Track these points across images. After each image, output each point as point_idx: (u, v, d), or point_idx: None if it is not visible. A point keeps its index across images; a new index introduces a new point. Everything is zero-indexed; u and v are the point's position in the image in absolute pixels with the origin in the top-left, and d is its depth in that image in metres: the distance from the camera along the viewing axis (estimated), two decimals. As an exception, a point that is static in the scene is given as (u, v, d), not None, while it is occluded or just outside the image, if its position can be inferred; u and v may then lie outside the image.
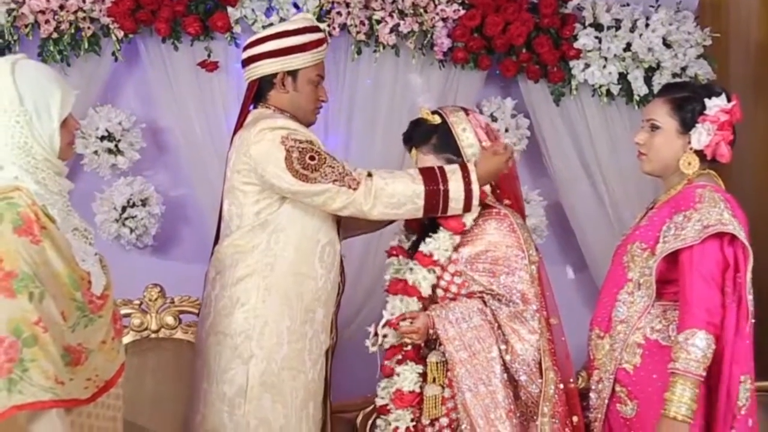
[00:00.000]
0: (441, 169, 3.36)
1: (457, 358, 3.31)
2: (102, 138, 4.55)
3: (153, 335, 4.43)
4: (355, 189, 3.28)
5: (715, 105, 3.25)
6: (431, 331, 3.35)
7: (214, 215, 3.68)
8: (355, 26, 4.59)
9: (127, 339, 4.24)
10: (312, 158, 3.29)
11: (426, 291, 3.40)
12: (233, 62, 4.47)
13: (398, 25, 4.60)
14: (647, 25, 4.80)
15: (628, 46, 4.78)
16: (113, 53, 4.54)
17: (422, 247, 3.43)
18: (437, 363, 3.40)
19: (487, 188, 3.47)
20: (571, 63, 4.81)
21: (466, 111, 3.57)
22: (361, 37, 4.62)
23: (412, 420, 3.42)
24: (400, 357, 3.44)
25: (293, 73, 3.47)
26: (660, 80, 4.76)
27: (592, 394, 3.39)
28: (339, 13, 4.56)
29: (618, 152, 4.88)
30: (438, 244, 3.40)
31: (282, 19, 4.42)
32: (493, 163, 3.39)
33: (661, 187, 3.50)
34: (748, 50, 4.93)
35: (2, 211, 2.51)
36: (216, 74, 4.59)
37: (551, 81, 4.84)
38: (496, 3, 4.69)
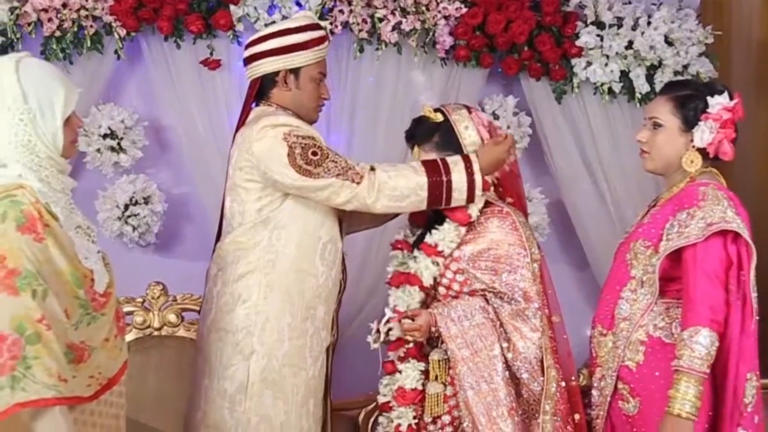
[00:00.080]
0: (443, 160, 3.36)
1: (459, 356, 3.31)
2: (105, 136, 4.55)
3: (155, 333, 4.44)
4: (358, 183, 3.29)
5: (718, 103, 3.26)
6: (433, 329, 3.35)
7: (216, 213, 3.68)
8: (357, 24, 4.59)
9: (129, 337, 4.24)
10: (315, 154, 3.30)
11: (427, 281, 3.41)
12: (235, 60, 4.47)
13: (400, 23, 4.61)
14: (649, 23, 4.79)
15: (629, 44, 4.78)
16: (116, 51, 4.54)
17: (428, 239, 3.44)
18: (439, 361, 3.41)
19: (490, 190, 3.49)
20: (573, 61, 4.81)
21: (468, 109, 3.57)
22: (364, 35, 4.62)
23: (414, 417, 3.42)
24: (402, 354, 3.44)
25: (295, 71, 3.48)
26: (662, 78, 4.76)
27: (594, 392, 3.40)
28: (341, 11, 4.57)
29: (620, 150, 4.88)
30: (443, 235, 3.41)
31: (284, 17, 4.43)
32: (495, 153, 3.40)
33: (663, 185, 3.51)
34: (750, 48, 4.93)
35: (6, 208, 2.51)
36: (218, 72, 4.60)
37: (553, 79, 4.84)
38: (498, 1, 4.69)
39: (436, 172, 3.32)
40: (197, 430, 3.44)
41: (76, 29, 4.44)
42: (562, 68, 4.81)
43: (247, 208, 3.39)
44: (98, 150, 4.56)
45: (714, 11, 5.01)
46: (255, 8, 4.52)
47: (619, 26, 4.80)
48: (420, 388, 3.42)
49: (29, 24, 4.40)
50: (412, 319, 3.34)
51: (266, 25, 4.35)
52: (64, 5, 4.39)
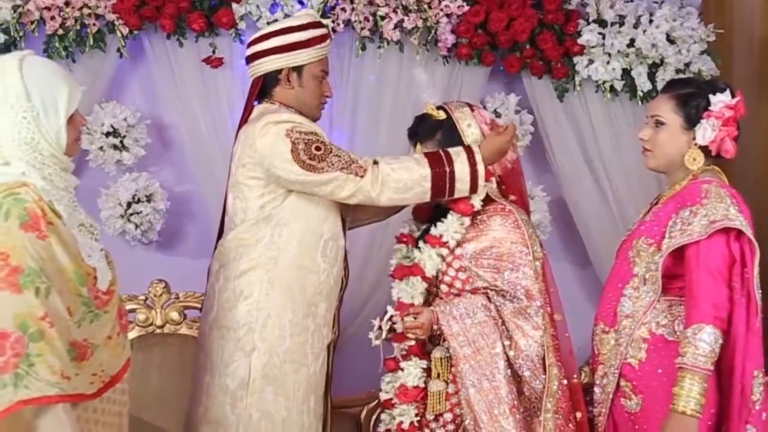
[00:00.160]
0: (445, 151, 3.37)
1: (461, 354, 3.32)
2: (107, 134, 4.55)
3: (158, 331, 4.45)
4: (362, 176, 3.30)
5: (720, 101, 3.26)
6: (435, 327, 3.36)
7: (218, 211, 3.68)
8: (360, 22, 4.59)
9: (132, 334, 4.26)
10: (318, 149, 3.31)
11: (430, 271, 3.42)
12: (238, 58, 4.47)
13: (402, 21, 4.60)
14: (651, 21, 4.79)
15: (631, 42, 4.78)
16: (118, 50, 4.54)
17: (432, 231, 3.45)
18: (441, 359, 3.42)
19: (494, 184, 3.50)
20: (575, 59, 4.81)
21: (471, 107, 3.57)
22: (366, 33, 4.62)
23: (416, 415, 3.43)
24: (404, 351, 3.45)
25: (298, 69, 3.48)
26: (664, 76, 4.75)
27: (596, 389, 3.40)
28: (343, 9, 4.57)
29: (621, 148, 4.88)
30: (447, 226, 3.42)
31: (286, 16, 4.42)
32: (497, 143, 3.41)
33: (665, 183, 3.51)
34: (752, 46, 4.93)
35: (9, 206, 2.51)
36: (221, 70, 4.60)
37: (555, 77, 4.84)
38: (500, -1, 4.71)
39: (438, 164, 3.32)
40: (198, 426, 3.44)
41: (78, 27, 4.44)
42: (564, 66, 4.81)
43: (250, 205, 3.40)
44: (101, 148, 4.56)
45: (716, 9, 5.01)
46: (257, 6, 4.51)
47: (621, 24, 4.80)
48: (422, 385, 3.43)
49: (32, 22, 4.40)
50: (414, 317, 3.35)
51: (268, 23, 4.36)
52: (67, 3, 4.39)
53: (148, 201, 4.62)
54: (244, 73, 3.67)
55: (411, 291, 3.43)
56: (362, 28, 4.60)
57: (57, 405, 2.49)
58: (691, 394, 3.04)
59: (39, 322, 2.46)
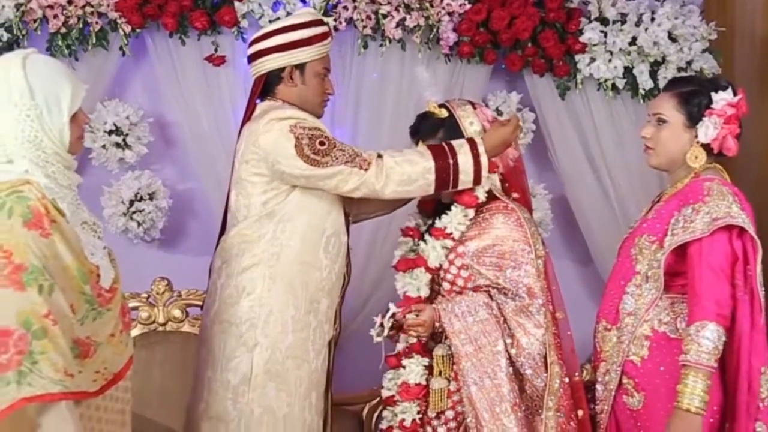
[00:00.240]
0: (449, 144, 3.38)
1: (463, 352, 3.32)
2: (110, 132, 4.56)
3: (160, 328, 4.45)
4: (366, 169, 3.31)
5: (722, 99, 3.27)
6: (437, 325, 3.36)
7: (221, 209, 3.69)
8: (362, 20, 4.59)
9: (134, 332, 4.25)
10: (322, 143, 3.32)
11: (433, 262, 3.43)
12: (240, 57, 4.47)
13: (404, 19, 4.60)
14: (653, 19, 4.79)
15: (633, 40, 4.78)
16: (121, 48, 4.55)
17: (437, 223, 3.46)
18: (443, 356, 3.42)
19: (497, 182, 3.50)
20: (577, 57, 4.80)
21: (473, 105, 3.58)
22: (368, 31, 4.62)
23: (418, 412, 3.44)
24: (406, 349, 3.46)
25: (301, 67, 3.49)
26: (665, 74, 4.75)
27: (598, 386, 3.41)
28: (345, 8, 4.57)
29: (623, 146, 4.88)
30: (451, 218, 3.43)
31: (288, 14, 4.42)
32: (500, 134, 3.42)
33: (667, 181, 3.51)
34: (754, 44, 4.92)
35: (12, 204, 2.52)
36: (223, 68, 4.60)
37: (557, 75, 4.84)
38: (501, -3, 4.72)
39: (442, 156, 3.34)
40: (200, 422, 3.44)
41: (81, 26, 4.44)
42: (565, 64, 4.81)
43: (253, 201, 3.41)
44: (103, 146, 4.57)
45: (717, 7, 5.01)
46: (259, 4, 4.52)
47: (623, 22, 4.80)
48: (424, 383, 3.44)
49: (35, 20, 4.40)
50: (416, 314, 3.35)
51: (270, 22, 4.37)
52: (70, 2, 4.39)
53: (151, 199, 4.62)
54: (247, 71, 3.67)
55: (416, 283, 3.44)
56: (364, 27, 4.60)
57: (60, 402, 2.50)
58: (695, 391, 3.05)
59: (42, 319, 2.46)
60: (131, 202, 4.58)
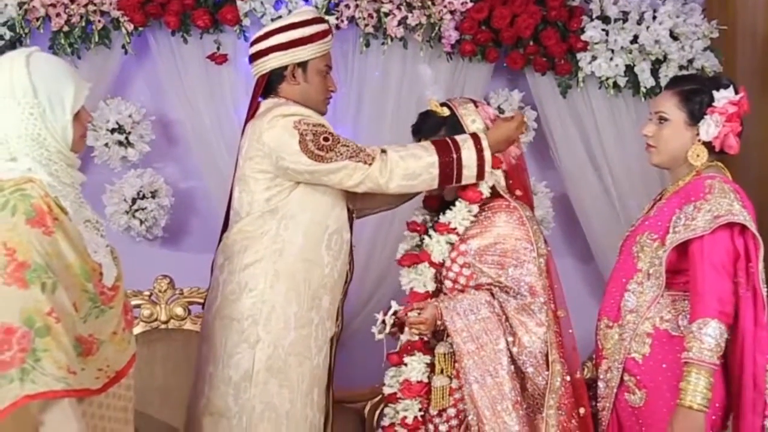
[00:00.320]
0: (452, 139, 3.39)
1: (465, 350, 3.33)
2: (112, 130, 4.56)
3: (162, 326, 4.47)
4: (370, 164, 3.33)
5: (723, 97, 3.27)
6: (439, 323, 3.36)
7: (223, 207, 3.69)
8: (363, 19, 4.60)
9: (136, 330, 4.26)
10: (326, 139, 3.34)
11: (437, 257, 3.44)
12: (242, 55, 4.47)
13: (406, 17, 4.61)
14: (654, 18, 4.79)
15: (635, 39, 4.78)
16: (123, 46, 4.55)
17: (441, 218, 3.48)
18: (445, 354, 3.43)
19: (501, 179, 3.51)
20: (578, 55, 4.81)
21: (474, 103, 3.59)
22: (369, 29, 4.63)
23: (420, 410, 3.44)
24: (408, 346, 3.46)
25: (303, 65, 3.50)
26: (667, 72, 4.76)
27: (600, 383, 3.41)
28: (347, 6, 4.58)
29: (624, 144, 4.88)
30: (455, 213, 3.44)
31: (290, 12, 4.42)
32: (504, 130, 3.44)
33: (668, 179, 3.52)
34: (755, 42, 4.92)
35: (15, 202, 2.52)
36: (225, 67, 4.60)
37: (558, 73, 4.84)
38: (503, -4, 4.72)
39: (446, 151, 3.36)
40: (201, 418, 3.45)
41: (84, 24, 4.45)
42: (567, 63, 4.81)
43: (256, 197, 3.42)
44: (106, 144, 4.57)
45: (719, 5, 5.00)
46: (261, 3, 4.52)
47: (625, 21, 4.80)
48: (425, 380, 3.44)
49: (37, 19, 4.41)
50: (418, 312, 3.36)
51: (272, 20, 4.37)
52: (72, 0, 4.40)
53: (153, 197, 4.62)
54: (249, 69, 3.67)
55: (422, 278, 3.45)
56: (366, 25, 4.61)
57: (63, 400, 2.49)
58: (698, 388, 3.05)
59: (45, 317, 2.46)
60: (133, 200, 4.59)
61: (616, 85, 4.84)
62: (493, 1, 4.68)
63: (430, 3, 4.62)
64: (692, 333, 3.08)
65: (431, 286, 3.46)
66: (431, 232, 3.49)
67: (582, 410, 3.39)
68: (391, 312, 3.40)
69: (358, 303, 4.52)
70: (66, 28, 4.43)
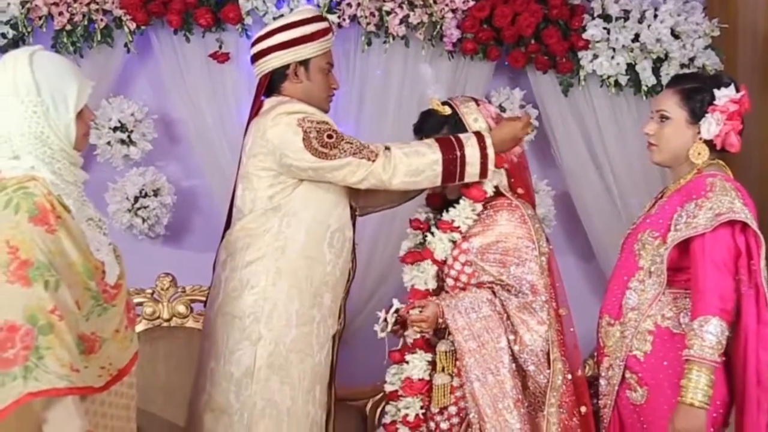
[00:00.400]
0: (456, 136, 3.39)
1: (466, 348, 3.33)
2: (115, 129, 4.57)
3: (165, 324, 4.48)
4: (373, 161, 3.33)
5: (724, 95, 3.27)
6: (440, 321, 3.37)
7: (225, 205, 3.70)
8: (365, 17, 4.60)
9: (139, 328, 4.23)
10: (330, 136, 3.34)
11: (439, 255, 3.44)
12: (244, 53, 4.46)
13: (408, 16, 4.61)
14: (655, 16, 4.79)
15: (636, 37, 4.78)
16: (126, 45, 4.56)
17: (444, 216, 3.48)
18: (446, 352, 3.43)
19: (503, 179, 3.51)
20: (580, 54, 4.81)
21: (476, 101, 3.59)
22: (371, 28, 4.63)
23: (421, 407, 3.45)
24: (410, 344, 3.47)
25: (305, 63, 3.51)
26: (668, 71, 4.76)
27: (601, 381, 3.42)
28: (349, 5, 4.58)
29: (626, 142, 4.88)
30: (459, 212, 3.44)
31: (292, 10, 4.44)
32: (510, 129, 3.44)
33: (669, 177, 3.52)
34: (756, 40, 4.93)
35: (18, 200, 2.53)
36: (227, 65, 4.61)
37: (560, 72, 4.85)
38: (504, -6, 4.72)
39: (449, 149, 3.36)
40: (202, 415, 3.45)
41: (86, 23, 4.45)
42: (568, 61, 4.82)
43: (259, 195, 3.42)
44: (108, 143, 4.58)
45: (720, 4, 5.01)
46: (263, 1, 4.52)
47: (626, 19, 4.80)
48: (427, 378, 3.44)
49: (40, 18, 4.42)
50: (420, 310, 3.36)
51: (274, 19, 4.38)
52: (75, -1, 4.43)
53: (155, 195, 4.63)
54: (250, 67, 3.67)
55: (423, 276, 3.45)
56: (368, 24, 4.61)
57: (66, 397, 2.50)
58: (699, 385, 3.06)
59: (48, 315, 2.47)
60: (136, 199, 4.59)
61: (617, 83, 4.84)
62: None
63: (431, 1, 4.63)
64: (693, 330, 3.09)
65: (432, 284, 3.46)
66: (434, 229, 3.49)
67: (583, 408, 3.40)
68: (392, 310, 3.40)
69: (360, 301, 4.51)
70: (68, 27, 4.44)
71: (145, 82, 4.80)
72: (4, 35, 4.41)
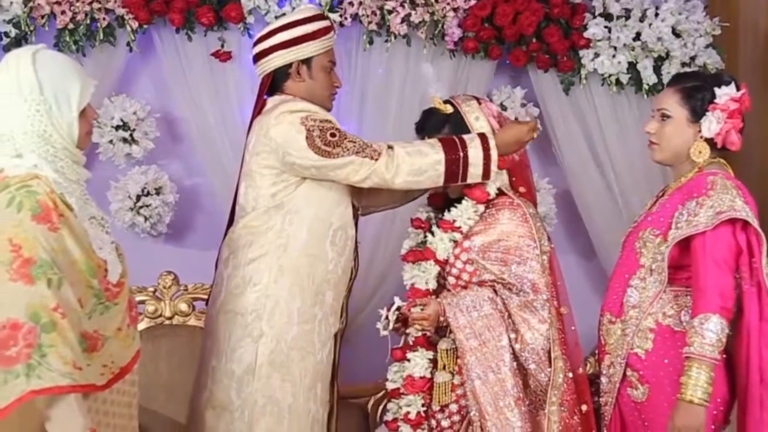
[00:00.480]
0: (459, 137, 3.39)
1: (467, 346, 3.33)
2: (117, 127, 4.57)
3: (167, 322, 4.49)
4: (376, 160, 3.33)
5: (725, 94, 3.27)
6: (442, 319, 3.37)
7: (227, 203, 3.71)
8: (367, 16, 4.61)
9: (141, 326, 4.28)
10: (333, 135, 3.34)
11: (441, 254, 3.44)
12: (246, 52, 4.45)
13: (409, 15, 4.62)
14: (657, 15, 4.80)
15: (637, 36, 4.79)
16: (128, 44, 4.57)
17: (446, 215, 3.48)
18: (447, 350, 3.43)
19: (505, 177, 3.51)
20: (581, 52, 4.81)
21: (478, 100, 3.59)
22: (373, 27, 4.64)
23: (422, 405, 3.45)
24: (411, 342, 3.47)
25: (307, 62, 3.51)
26: (669, 69, 4.77)
27: (603, 379, 3.42)
28: (351, 4, 4.59)
29: (627, 141, 4.88)
30: (461, 212, 3.44)
31: (294, 9, 4.44)
32: (515, 132, 3.43)
33: (670, 176, 3.53)
34: (757, 39, 4.93)
35: (21, 198, 2.53)
36: (229, 64, 4.62)
37: (561, 70, 4.85)
38: (506, -7, 4.73)
39: (453, 149, 3.35)
40: (204, 412, 3.46)
41: (88, 22, 4.46)
42: (569, 60, 4.82)
43: (262, 193, 3.42)
44: (111, 141, 4.58)
45: (721, 2, 5.01)
46: (265, 0, 4.54)
47: (627, 18, 4.81)
48: (428, 376, 3.45)
49: (42, 16, 4.42)
50: (421, 308, 3.37)
51: (276, 17, 4.39)
52: (77, -2, 4.43)
53: (158, 194, 4.64)
54: (253, 66, 3.68)
55: (425, 276, 3.45)
56: (369, 22, 4.62)
57: (69, 395, 2.50)
58: (699, 383, 3.06)
59: (51, 313, 2.47)
60: (138, 197, 4.60)
61: (618, 82, 4.85)
62: (496, -2, 4.70)
63: (433, 0, 4.63)
64: (694, 328, 3.09)
65: (433, 284, 3.46)
66: (435, 229, 3.49)
67: (584, 407, 3.40)
68: (394, 308, 3.40)
69: (361, 299, 4.52)
70: (71, 26, 4.45)
71: (148, 80, 4.80)
72: (6, 34, 4.42)
